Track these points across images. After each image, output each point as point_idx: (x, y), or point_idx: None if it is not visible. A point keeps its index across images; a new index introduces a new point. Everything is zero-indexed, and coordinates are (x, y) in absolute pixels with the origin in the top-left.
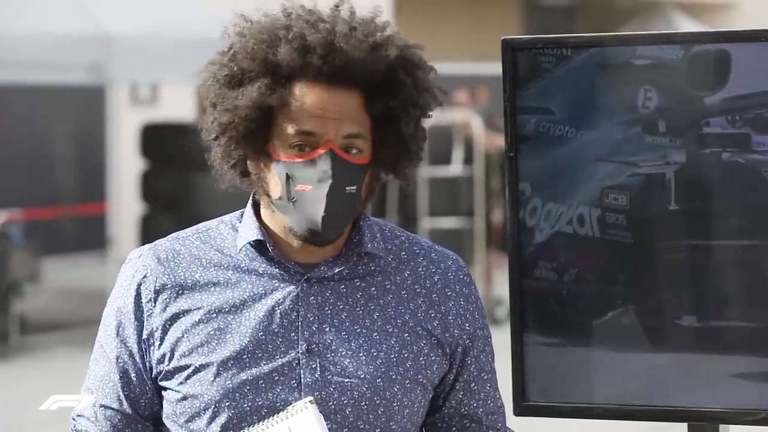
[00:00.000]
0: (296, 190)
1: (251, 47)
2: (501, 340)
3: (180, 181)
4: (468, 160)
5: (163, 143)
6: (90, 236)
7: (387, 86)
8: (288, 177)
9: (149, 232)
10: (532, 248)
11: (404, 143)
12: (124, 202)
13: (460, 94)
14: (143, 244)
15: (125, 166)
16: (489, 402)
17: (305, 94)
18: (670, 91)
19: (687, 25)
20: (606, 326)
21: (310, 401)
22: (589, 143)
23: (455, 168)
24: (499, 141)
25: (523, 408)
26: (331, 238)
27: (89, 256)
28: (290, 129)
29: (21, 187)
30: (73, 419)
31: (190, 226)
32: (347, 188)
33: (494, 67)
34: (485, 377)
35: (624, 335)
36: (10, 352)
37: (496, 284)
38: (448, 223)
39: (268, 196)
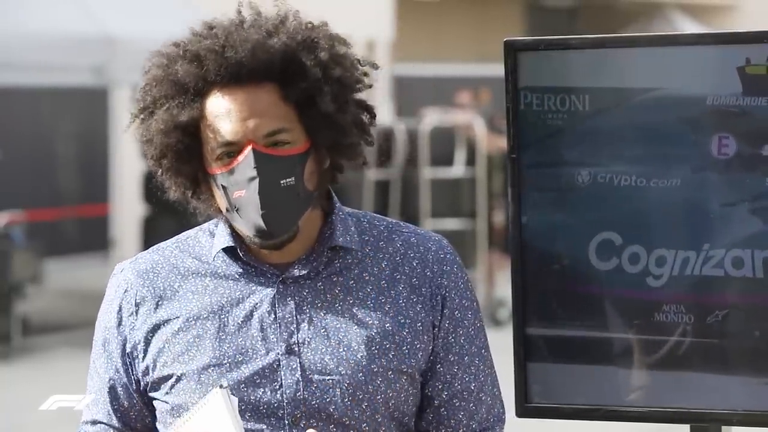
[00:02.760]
0: (234, 198)
1: (155, 74)
2: (503, 341)
3: None
4: (470, 161)
5: None
6: (92, 237)
7: (293, 71)
8: (224, 188)
9: (151, 233)
10: (648, 292)
11: (331, 121)
12: (127, 203)
13: (463, 95)
14: (146, 245)
15: (128, 168)
16: (456, 384)
17: (215, 104)
18: (748, 137)
19: (688, 26)
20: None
21: (220, 386)
22: (677, 190)
23: (457, 169)
24: (502, 143)
25: (525, 409)
26: (284, 236)
27: (91, 257)
28: (212, 143)
29: (23, 189)
30: None
31: (192, 228)
32: (282, 181)
33: (497, 69)
34: (452, 359)
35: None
36: (12, 353)
37: (498, 286)
38: (450, 224)
39: (220, 212)
